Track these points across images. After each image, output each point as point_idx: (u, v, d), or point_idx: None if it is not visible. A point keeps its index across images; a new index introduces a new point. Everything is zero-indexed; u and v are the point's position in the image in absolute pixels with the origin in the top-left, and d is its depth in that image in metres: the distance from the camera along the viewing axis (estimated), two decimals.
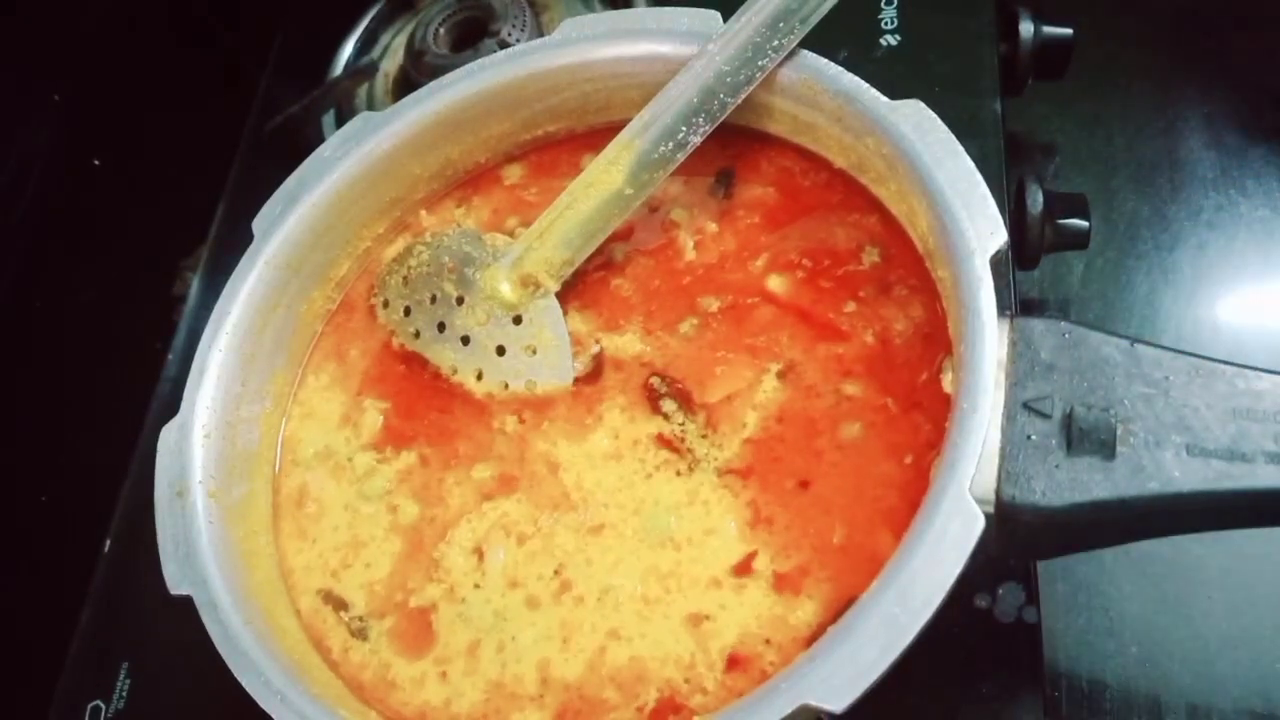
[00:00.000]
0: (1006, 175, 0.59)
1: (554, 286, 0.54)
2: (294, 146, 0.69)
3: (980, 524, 0.39)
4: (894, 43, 0.65)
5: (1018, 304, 0.57)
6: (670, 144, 0.52)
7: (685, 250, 0.55)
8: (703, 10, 0.55)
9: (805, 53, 0.52)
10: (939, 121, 0.47)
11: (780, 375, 0.50)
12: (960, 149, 0.46)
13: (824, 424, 0.49)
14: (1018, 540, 0.42)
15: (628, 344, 0.53)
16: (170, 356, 0.68)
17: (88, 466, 0.67)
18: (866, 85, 0.50)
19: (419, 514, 0.52)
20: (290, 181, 0.57)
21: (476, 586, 0.50)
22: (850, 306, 0.51)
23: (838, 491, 0.47)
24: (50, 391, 0.73)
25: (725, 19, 0.53)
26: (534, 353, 0.54)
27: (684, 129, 0.52)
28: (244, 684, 0.45)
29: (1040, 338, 0.43)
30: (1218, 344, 0.65)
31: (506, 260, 0.55)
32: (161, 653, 0.57)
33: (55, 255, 0.75)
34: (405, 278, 0.57)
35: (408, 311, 0.57)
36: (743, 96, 0.52)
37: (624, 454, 0.51)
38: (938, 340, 0.48)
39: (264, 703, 0.44)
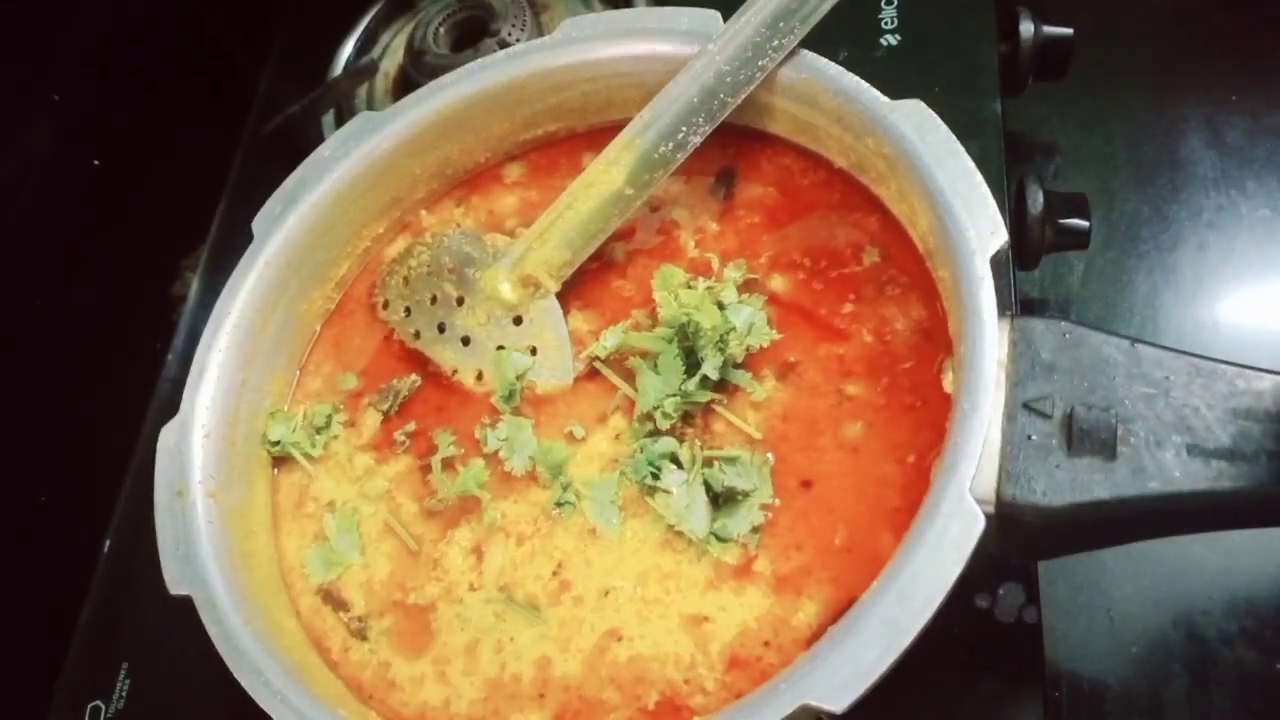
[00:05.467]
0: (1006, 175, 0.59)
1: (554, 287, 0.54)
2: (294, 146, 0.69)
3: (980, 524, 0.39)
4: (894, 43, 0.65)
5: (1018, 304, 0.57)
6: (670, 144, 0.52)
7: (686, 250, 0.55)
8: (703, 10, 0.55)
9: (805, 52, 0.52)
10: (939, 121, 0.47)
11: (781, 375, 0.50)
12: (960, 149, 0.47)
13: (825, 424, 0.48)
14: (1018, 540, 0.42)
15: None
16: (170, 356, 0.68)
17: (88, 466, 0.67)
18: (867, 85, 0.50)
19: (419, 514, 0.52)
20: (290, 181, 0.57)
21: (474, 587, 0.50)
22: (850, 306, 0.51)
23: (839, 491, 0.47)
24: (50, 391, 0.73)
25: (725, 19, 0.53)
26: (534, 353, 0.54)
27: (684, 129, 0.52)
28: (244, 684, 0.45)
29: (1040, 338, 0.43)
30: (1218, 344, 0.65)
31: (507, 260, 0.54)
32: (161, 653, 0.57)
33: (55, 255, 0.74)
34: (405, 278, 0.57)
35: (408, 312, 0.57)
36: (743, 96, 0.52)
37: (624, 454, 0.50)
38: (938, 340, 0.48)
39: (264, 703, 0.44)
